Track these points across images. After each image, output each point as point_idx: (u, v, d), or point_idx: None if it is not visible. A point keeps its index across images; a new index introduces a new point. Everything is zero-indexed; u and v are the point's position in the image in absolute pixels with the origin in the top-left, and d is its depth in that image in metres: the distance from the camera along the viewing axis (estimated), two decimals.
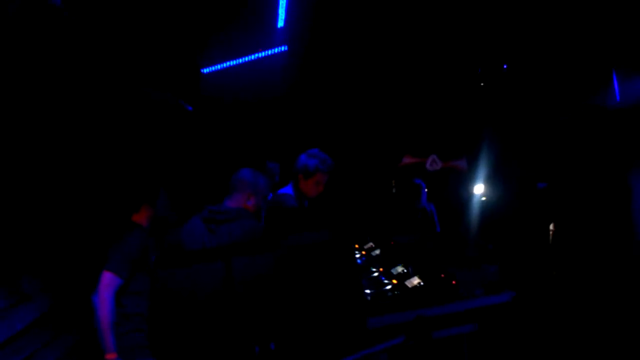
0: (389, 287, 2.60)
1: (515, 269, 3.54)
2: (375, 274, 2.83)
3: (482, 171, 5.81)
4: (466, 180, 5.90)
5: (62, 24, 2.92)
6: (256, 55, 4.87)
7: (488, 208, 5.60)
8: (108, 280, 2.68)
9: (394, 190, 6.48)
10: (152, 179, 3.24)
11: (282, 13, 3.95)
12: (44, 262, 3.34)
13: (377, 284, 2.67)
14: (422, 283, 2.51)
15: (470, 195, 5.73)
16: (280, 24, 4.18)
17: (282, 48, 4.59)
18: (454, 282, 2.43)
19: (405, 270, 2.75)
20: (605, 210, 4.21)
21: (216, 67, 5.28)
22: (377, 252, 3.30)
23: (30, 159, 3.33)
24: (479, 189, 5.84)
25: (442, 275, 2.53)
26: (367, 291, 2.57)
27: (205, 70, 5.37)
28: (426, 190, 4.97)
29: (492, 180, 5.72)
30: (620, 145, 4.14)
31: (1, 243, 2.91)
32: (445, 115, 6.28)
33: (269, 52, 4.72)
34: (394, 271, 2.80)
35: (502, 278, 2.67)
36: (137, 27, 3.72)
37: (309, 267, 2.40)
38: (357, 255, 3.34)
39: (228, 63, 5.22)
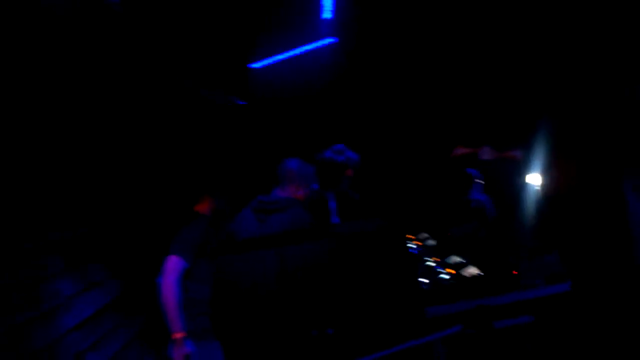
0: (445, 276, 2.57)
1: (575, 258, 3.40)
2: (431, 264, 2.80)
3: (538, 160, 5.60)
4: (521, 170, 5.71)
5: (117, 22, 3.04)
6: (303, 48, 4.89)
7: (545, 197, 5.40)
8: (173, 264, 2.80)
9: (448, 181, 6.36)
10: (213, 172, 3.37)
11: (328, 4, 3.94)
12: (113, 249, 3.52)
13: (432, 274, 2.64)
14: (480, 273, 2.46)
15: (526, 185, 5.54)
16: (328, 15, 4.17)
17: (330, 40, 4.59)
18: (514, 272, 2.37)
19: (462, 260, 2.70)
20: None
21: (264, 62, 5.34)
22: (432, 242, 3.27)
23: (99, 152, 3.51)
24: (534, 178, 5.62)
25: (502, 265, 2.48)
26: (424, 280, 2.55)
27: (254, 66, 5.45)
28: (480, 181, 4.85)
29: (549, 169, 5.51)
30: None
31: (69, 232, 3.08)
32: (498, 104, 6.10)
33: (316, 44, 4.72)
34: (449, 261, 2.77)
35: (563, 268, 2.58)
36: (188, 26, 3.82)
37: (361, 256, 2.41)
38: (412, 246, 3.31)
39: (276, 58, 5.27)
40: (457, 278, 2.51)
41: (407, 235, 3.46)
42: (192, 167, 4.11)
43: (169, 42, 3.86)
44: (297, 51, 5.03)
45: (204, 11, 3.94)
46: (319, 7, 4.28)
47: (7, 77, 2.62)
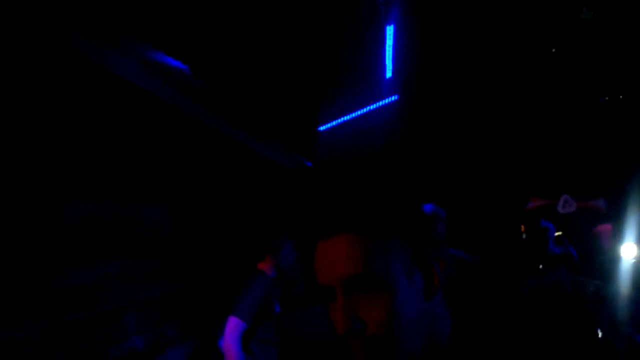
0: None
1: None
2: None
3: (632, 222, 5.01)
4: (613, 236, 5.22)
5: (193, 90, 3.31)
6: (367, 107, 5.03)
7: None
8: (233, 325, 2.81)
9: (524, 236, 6.05)
10: (275, 231, 3.42)
11: (389, 64, 4.07)
12: (187, 309, 3.63)
13: None
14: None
15: (618, 256, 4.86)
16: (389, 74, 4.29)
17: (392, 98, 4.69)
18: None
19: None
20: None
21: (331, 123, 5.53)
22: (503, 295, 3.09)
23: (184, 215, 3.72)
24: (629, 250, 4.63)
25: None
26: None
27: (321, 128, 5.64)
28: (556, 233, 4.57)
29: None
30: None
31: (146, 295, 3.23)
32: (574, 151, 5.82)
33: (380, 103, 4.84)
34: None
35: None
36: (258, 92, 4.07)
37: None
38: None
39: (342, 118, 5.44)
40: None
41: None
42: (258, 225, 4.22)
43: (241, 107, 4.11)
44: (361, 111, 5.18)
45: (273, 79, 4.20)
46: (381, 68, 4.43)
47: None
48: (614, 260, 4.70)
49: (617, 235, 4.89)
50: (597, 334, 2.36)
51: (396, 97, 4.71)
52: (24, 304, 2.32)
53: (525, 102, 5.36)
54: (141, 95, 3.21)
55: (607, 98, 5.38)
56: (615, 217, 5.24)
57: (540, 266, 4.38)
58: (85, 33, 2.62)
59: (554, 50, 4.92)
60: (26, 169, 2.44)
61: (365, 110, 5.07)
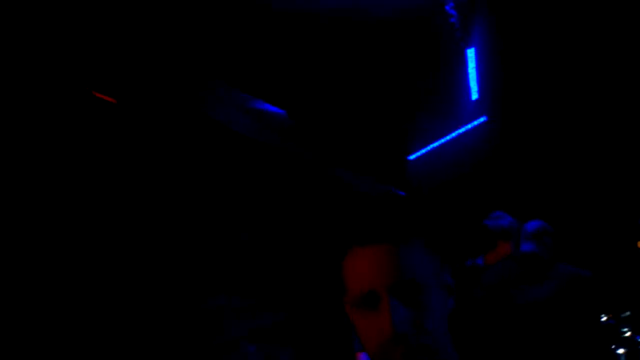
0: None
1: None
2: (628, 334, 2.49)
3: None
4: None
5: (288, 132, 3.56)
6: (457, 132, 5.03)
7: None
8: None
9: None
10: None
11: (474, 86, 4.10)
12: (301, 335, 3.76)
13: (630, 344, 2.35)
14: None
15: None
16: (475, 96, 4.31)
17: (481, 119, 4.67)
18: None
19: None
20: None
21: (420, 152, 5.57)
22: (627, 313, 2.91)
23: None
24: None
25: None
26: (621, 351, 2.29)
27: (411, 157, 5.70)
28: None
29: None
30: None
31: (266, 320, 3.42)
32: None
33: (469, 126, 4.83)
34: None
35: None
36: (345, 124, 4.24)
37: (543, 325, 2.30)
38: (604, 319, 2.97)
39: (431, 146, 5.47)
40: None
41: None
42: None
43: (329, 140, 4.30)
44: (450, 136, 5.18)
45: (362, 114, 4.36)
46: (467, 90, 4.46)
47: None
48: None
49: None
50: None
51: (485, 119, 4.69)
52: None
53: (623, 108, 5.06)
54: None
55: None
56: None
57: None
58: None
59: None
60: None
61: (454, 134, 5.07)
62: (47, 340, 2.10)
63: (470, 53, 3.56)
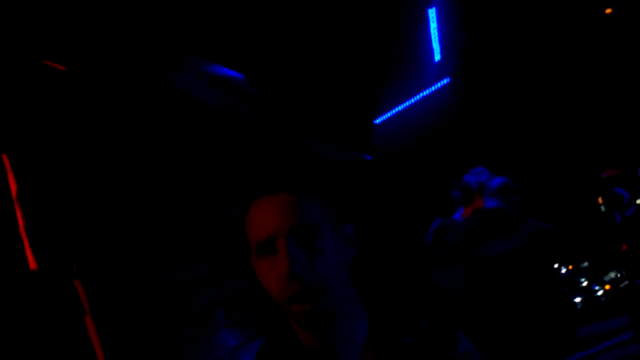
0: (600, 292, 2.36)
1: None
2: (585, 284, 2.60)
3: None
4: None
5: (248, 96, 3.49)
6: (421, 94, 5.04)
7: None
8: None
9: (602, 208, 5.80)
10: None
11: (436, 47, 4.08)
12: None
13: (587, 292, 2.45)
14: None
15: None
16: (437, 57, 4.30)
17: (444, 81, 4.68)
18: None
19: (618, 275, 2.47)
20: None
21: (385, 115, 5.57)
22: (585, 263, 3.02)
23: None
24: None
25: None
26: (577, 300, 2.39)
27: (377, 121, 5.70)
28: (629, 200, 4.39)
29: None
30: None
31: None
32: None
33: (432, 87, 4.84)
34: (606, 278, 2.54)
35: None
36: (311, 86, 4.18)
37: (505, 277, 2.36)
38: (563, 271, 3.09)
39: (396, 109, 5.48)
40: (614, 293, 2.29)
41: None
42: None
43: (294, 106, 4.26)
44: (414, 99, 5.20)
45: (326, 72, 4.30)
46: (430, 52, 4.44)
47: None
48: None
49: None
50: None
51: (448, 80, 4.70)
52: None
53: (584, 73, 5.16)
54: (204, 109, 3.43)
55: None
56: None
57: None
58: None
59: (609, 10, 4.71)
60: None
61: (417, 97, 5.08)
62: None
63: (432, 13, 3.52)
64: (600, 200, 6.11)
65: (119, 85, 2.89)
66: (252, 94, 3.56)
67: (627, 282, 2.27)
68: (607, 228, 4.02)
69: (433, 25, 3.68)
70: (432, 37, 3.86)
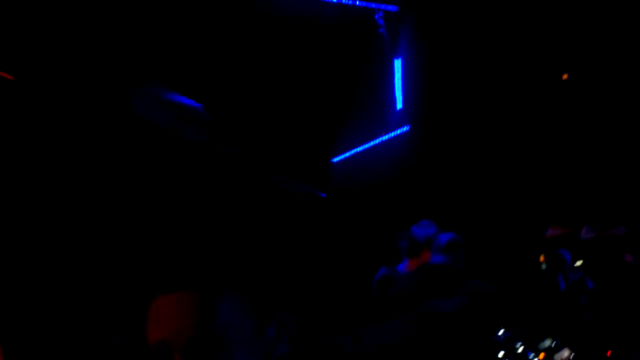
0: None
1: None
2: (520, 350, 2.60)
3: None
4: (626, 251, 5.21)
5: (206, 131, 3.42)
6: (380, 139, 5.10)
7: None
8: None
9: (543, 266, 5.96)
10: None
11: (399, 95, 4.15)
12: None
13: (521, 359, 2.44)
14: (573, 355, 2.24)
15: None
16: (399, 105, 4.37)
17: (404, 128, 4.76)
18: (608, 353, 2.14)
19: (554, 344, 2.48)
20: None
21: (344, 155, 5.60)
22: (522, 327, 3.04)
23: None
24: None
25: (599, 349, 2.25)
26: None
27: (335, 160, 5.72)
28: (577, 263, 4.53)
29: None
30: None
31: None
32: (593, 180, 5.77)
33: (392, 134, 4.91)
34: (540, 346, 2.55)
35: None
36: (271, 125, 4.17)
37: (445, 336, 2.33)
38: (500, 332, 3.10)
39: (355, 150, 5.52)
40: None
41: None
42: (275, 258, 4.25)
43: (253, 141, 4.22)
44: (373, 142, 5.25)
45: (286, 112, 4.30)
46: (393, 99, 4.52)
47: None
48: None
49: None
50: None
51: (408, 128, 4.78)
52: None
53: (541, 130, 5.36)
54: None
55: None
56: (636, 245, 5.16)
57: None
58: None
59: (566, 76, 4.96)
60: None
61: (377, 141, 5.13)
62: None
63: (397, 63, 3.59)
64: (542, 258, 6.28)
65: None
66: (207, 123, 3.49)
67: (564, 352, 2.28)
68: (548, 291, 4.10)
69: (398, 75, 3.75)
70: (396, 85, 3.93)
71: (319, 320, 3.59)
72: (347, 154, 5.56)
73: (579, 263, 4.73)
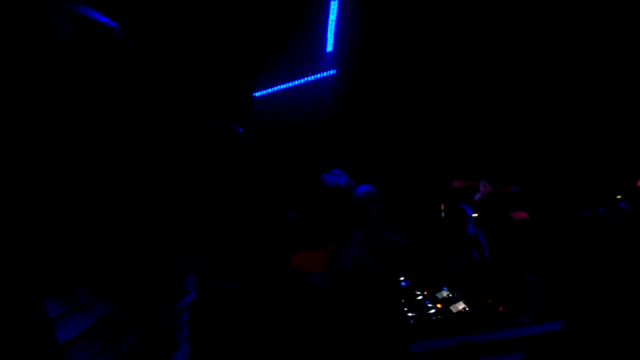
0: (433, 311, 2.56)
1: (565, 297, 3.38)
2: (420, 298, 2.79)
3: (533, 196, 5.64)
4: (518, 207, 5.71)
5: (120, 51, 3.11)
6: (306, 79, 4.99)
7: (537, 235, 5.40)
8: None
9: (443, 215, 6.36)
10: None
11: (330, 38, 4.04)
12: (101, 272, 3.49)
13: (421, 308, 2.63)
14: (467, 308, 2.45)
15: (521, 222, 5.53)
16: (329, 48, 4.27)
17: (331, 72, 4.68)
18: (500, 308, 2.36)
19: (450, 295, 2.69)
20: None
21: (267, 90, 5.44)
22: (423, 276, 3.25)
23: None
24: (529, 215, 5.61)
25: (489, 301, 2.47)
26: (411, 314, 2.54)
27: (257, 94, 5.54)
28: (473, 215, 4.86)
29: (542, 206, 5.53)
30: None
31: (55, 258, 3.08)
32: (498, 140, 6.15)
33: (318, 75, 4.82)
34: (439, 295, 2.75)
35: (551, 306, 2.57)
36: (191, 54, 3.90)
37: (349, 288, 2.42)
38: (401, 278, 3.30)
39: (278, 87, 5.37)
40: (444, 313, 2.50)
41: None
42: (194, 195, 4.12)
43: (172, 66, 3.93)
44: (299, 81, 5.13)
45: (210, 38, 4.03)
46: (322, 41, 4.40)
47: None
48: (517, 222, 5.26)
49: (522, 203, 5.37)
50: None
51: (334, 72, 4.71)
52: None
53: (459, 89, 5.55)
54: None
55: (531, 91, 5.70)
56: (528, 205, 5.67)
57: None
58: None
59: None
60: None
61: (302, 81, 5.03)
62: None
63: (333, 5, 3.46)
64: (442, 207, 6.71)
65: None
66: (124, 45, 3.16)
67: (459, 304, 2.48)
68: (448, 244, 4.40)
69: (332, 17, 3.62)
70: (329, 27, 3.81)
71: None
72: (269, 90, 5.41)
73: (474, 216, 5.11)
